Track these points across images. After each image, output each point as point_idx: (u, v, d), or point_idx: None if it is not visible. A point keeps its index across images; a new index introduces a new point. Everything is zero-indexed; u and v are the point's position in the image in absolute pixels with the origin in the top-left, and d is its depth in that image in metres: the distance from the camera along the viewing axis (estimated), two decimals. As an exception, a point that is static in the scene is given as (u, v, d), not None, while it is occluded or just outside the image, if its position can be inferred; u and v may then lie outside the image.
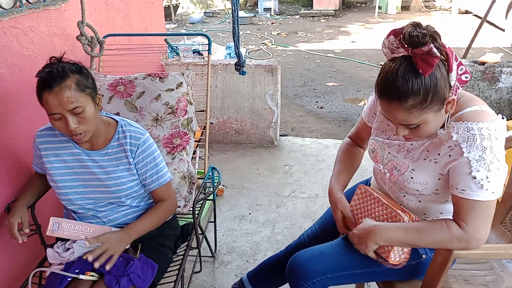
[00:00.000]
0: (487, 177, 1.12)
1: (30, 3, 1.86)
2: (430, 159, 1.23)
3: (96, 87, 1.47)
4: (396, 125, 1.20)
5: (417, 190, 1.29)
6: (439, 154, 1.21)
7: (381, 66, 1.16)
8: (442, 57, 1.07)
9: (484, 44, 6.98)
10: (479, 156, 1.12)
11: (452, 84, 1.12)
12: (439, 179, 1.24)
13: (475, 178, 1.13)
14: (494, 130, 1.14)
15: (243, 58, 2.03)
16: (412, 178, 1.28)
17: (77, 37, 2.05)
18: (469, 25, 8.66)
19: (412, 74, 1.07)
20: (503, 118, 1.18)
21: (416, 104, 1.10)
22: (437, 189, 1.26)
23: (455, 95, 1.14)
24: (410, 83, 1.07)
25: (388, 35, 1.12)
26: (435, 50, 1.05)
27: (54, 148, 1.53)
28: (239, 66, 2.08)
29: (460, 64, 1.12)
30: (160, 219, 1.61)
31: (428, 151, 1.24)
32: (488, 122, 1.14)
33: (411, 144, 1.29)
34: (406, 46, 1.08)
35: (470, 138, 1.14)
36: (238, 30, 1.83)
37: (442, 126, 1.22)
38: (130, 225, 1.53)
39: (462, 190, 1.16)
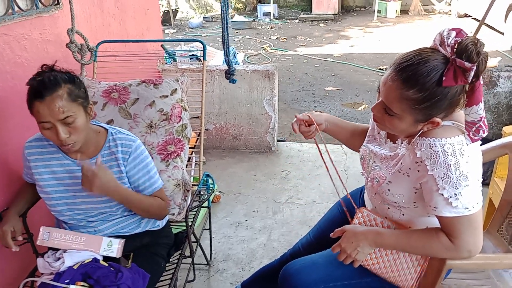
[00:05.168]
0: (455, 195, 1.10)
1: (22, 10, 1.85)
2: (403, 173, 1.21)
3: (88, 96, 1.46)
4: (379, 98, 1.18)
5: (395, 202, 1.28)
6: (410, 169, 1.19)
7: (410, 52, 1.12)
8: (471, 83, 1.05)
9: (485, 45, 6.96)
10: (444, 173, 1.10)
11: (456, 116, 1.12)
12: (415, 192, 1.22)
13: (442, 195, 1.11)
14: (459, 145, 1.11)
15: (233, 66, 2.02)
16: (389, 190, 1.26)
17: (66, 44, 2.04)
18: (468, 29, 8.65)
19: (436, 74, 1.05)
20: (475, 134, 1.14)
21: (411, 99, 1.08)
22: (414, 202, 1.24)
23: (442, 122, 1.13)
24: (427, 79, 1.05)
25: (453, 29, 1.07)
26: (471, 73, 1.02)
27: (44, 159, 1.51)
28: (229, 74, 2.07)
29: (483, 120, 1.10)
30: (149, 206, 1.56)
31: (401, 163, 1.22)
32: (452, 137, 1.12)
33: (390, 155, 1.28)
34: (454, 50, 1.05)
35: (433, 155, 1.11)
36: (227, 37, 1.82)
37: (411, 137, 1.20)
38: (124, 188, 1.49)
39: (434, 207, 1.15)
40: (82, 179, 1.38)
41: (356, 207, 1.40)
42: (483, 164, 1.21)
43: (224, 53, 1.93)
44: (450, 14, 10.91)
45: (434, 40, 1.10)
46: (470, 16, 9.83)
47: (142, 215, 1.57)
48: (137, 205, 1.53)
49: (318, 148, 1.48)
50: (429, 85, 1.05)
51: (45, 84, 1.32)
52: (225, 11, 1.73)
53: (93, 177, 1.36)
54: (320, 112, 1.53)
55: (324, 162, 1.45)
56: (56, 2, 2.09)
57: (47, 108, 1.30)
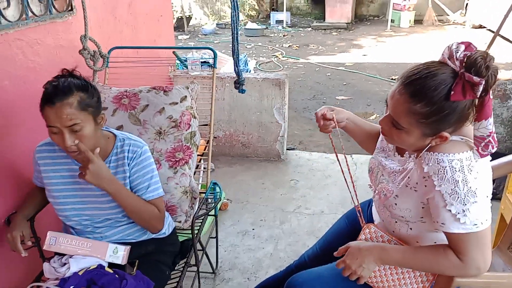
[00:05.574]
0: (463, 211, 1.07)
1: (36, 15, 1.87)
2: (411, 187, 1.19)
3: (100, 105, 1.46)
4: (387, 112, 1.17)
5: (402, 217, 1.25)
6: (417, 183, 1.17)
7: (418, 65, 1.10)
8: (480, 98, 1.03)
9: (498, 59, 6.89)
10: (452, 189, 1.08)
11: (465, 131, 1.10)
12: (422, 207, 1.19)
13: (450, 211, 1.09)
14: (467, 161, 1.09)
15: (242, 77, 2.02)
16: (396, 204, 1.24)
17: (79, 51, 2.06)
18: (483, 40, 8.58)
19: (444, 88, 1.03)
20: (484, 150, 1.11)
21: (419, 113, 1.07)
22: (422, 217, 1.22)
23: (450, 136, 1.11)
24: (435, 93, 1.04)
25: (462, 43, 1.05)
26: (480, 87, 1.00)
27: (53, 163, 1.53)
28: (238, 84, 2.07)
29: (492, 135, 1.08)
30: (139, 207, 1.51)
31: (409, 177, 1.20)
32: (461, 153, 1.10)
33: (398, 169, 1.26)
34: (463, 64, 1.03)
35: (441, 171, 1.09)
36: (237, 47, 1.82)
37: (419, 151, 1.18)
38: (120, 184, 1.47)
39: (442, 223, 1.12)
40: (80, 167, 1.38)
41: (363, 222, 1.38)
42: (495, 179, 1.19)
43: (234, 63, 1.93)
44: (464, 25, 10.83)
45: (442, 54, 1.08)
46: (484, 27, 9.75)
47: (132, 216, 1.52)
48: (128, 202, 1.48)
49: (333, 145, 1.46)
50: (437, 99, 1.04)
51: (57, 89, 1.33)
52: (235, 22, 1.74)
53: (88, 162, 1.35)
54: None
55: (338, 160, 1.43)
56: (69, 8, 2.12)
57: (56, 114, 1.31)
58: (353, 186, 1.43)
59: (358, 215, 1.43)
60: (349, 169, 1.42)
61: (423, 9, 11.30)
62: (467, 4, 10.94)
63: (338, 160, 1.44)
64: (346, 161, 1.42)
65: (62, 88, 1.33)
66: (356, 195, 1.44)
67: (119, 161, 1.52)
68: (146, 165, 1.54)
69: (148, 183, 1.54)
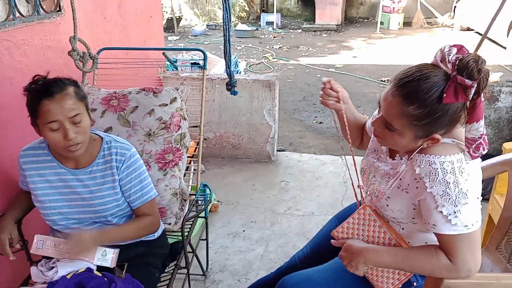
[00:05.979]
0: (455, 212, 1.09)
1: (23, 16, 1.85)
2: (402, 188, 1.20)
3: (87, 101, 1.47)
4: (379, 114, 1.18)
5: (394, 218, 1.26)
6: (408, 185, 1.18)
7: (410, 67, 1.11)
8: (472, 100, 1.04)
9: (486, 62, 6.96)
10: (443, 191, 1.09)
11: (456, 133, 1.12)
12: (414, 209, 1.20)
13: (441, 213, 1.10)
14: (458, 163, 1.10)
15: (234, 78, 2.02)
16: (387, 205, 1.25)
17: (68, 52, 2.04)
18: (471, 42, 8.68)
19: (436, 91, 1.04)
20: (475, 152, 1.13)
21: (412, 115, 1.08)
22: (413, 218, 1.23)
23: (442, 139, 1.12)
24: (428, 96, 1.05)
25: (454, 45, 1.06)
26: (472, 90, 1.01)
27: (38, 168, 1.50)
28: (230, 86, 2.07)
29: (483, 137, 1.09)
30: (138, 233, 1.57)
31: (400, 179, 1.21)
32: (452, 155, 1.11)
33: (391, 172, 1.26)
34: (455, 67, 1.04)
35: (432, 173, 1.11)
36: (229, 49, 1.82)
37: (411, 153, 1.19)
38: (106, 229, 1.51)
39: (433, 225, 1.13)
40: (71, 251, 1.41)
41: (364, 203, 1.36)
42: (482, 180, 1.20)
43: (226, 65, 1.93)
44: (452, 28, 10.93)
45: (435, 56, 1.09)
46: (472, 29, 9.85)
47: (135, 238, 1.59)
48: (127, 236, 1.55)
49: (334, 120, 1.48)
50: (429, 101, 1.05)
51: (51, 84, 1.34)
52: (227, 23, 1.73)
53: (78, 242, 1.39)
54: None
55: (339, 136, 1.47)
56: (58, 9, 2.09)
57: (58, 105, 1.31)
58: (355, 165, 1.40)
59: (360, 192, 1.39)
60: (352, 150, 1.42)
61: (412, 12, 11.39)
62: (455, 7, 11.04)
63: (339, 136, 1.48)
64: (348, 137, 1.43)
65: (55, 83, 1.35)
66: (357, 173, 1.42)
67: (107, 163, 1.50)
68: (137, 167, 1.53)
69: (141, 186, 1.54)
